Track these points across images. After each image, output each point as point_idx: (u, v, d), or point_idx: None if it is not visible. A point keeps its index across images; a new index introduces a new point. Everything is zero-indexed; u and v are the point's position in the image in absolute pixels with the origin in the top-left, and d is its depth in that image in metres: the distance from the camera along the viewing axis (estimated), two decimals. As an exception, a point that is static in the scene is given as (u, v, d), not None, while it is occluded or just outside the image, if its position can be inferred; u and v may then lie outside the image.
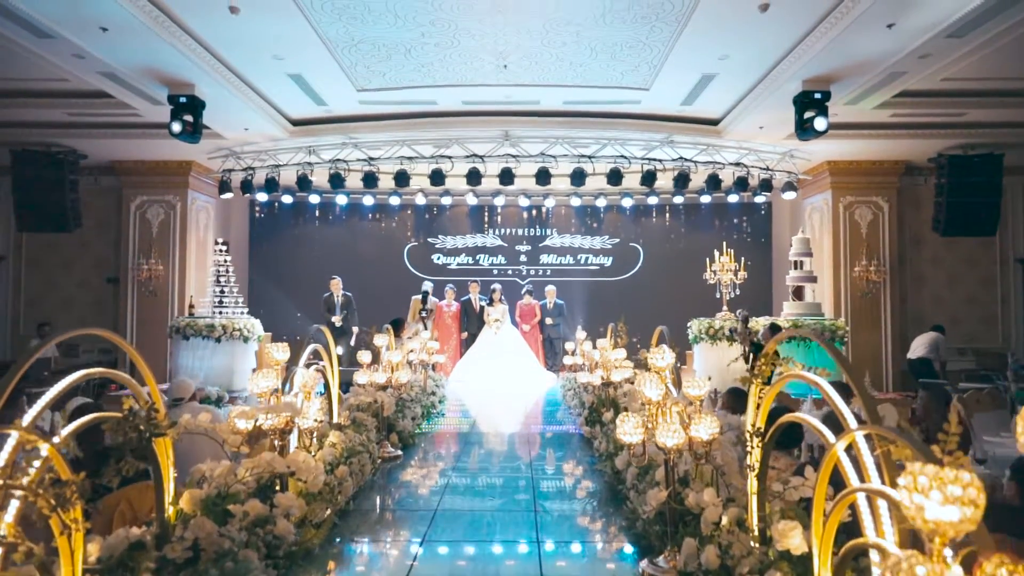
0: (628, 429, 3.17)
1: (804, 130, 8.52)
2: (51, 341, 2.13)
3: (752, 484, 2.57)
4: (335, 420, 4.90)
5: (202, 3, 6.73)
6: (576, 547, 4.00)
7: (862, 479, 1.91)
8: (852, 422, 1.88)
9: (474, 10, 7.02)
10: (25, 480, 1.87)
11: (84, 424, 2.16)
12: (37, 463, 1.93)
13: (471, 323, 12.97)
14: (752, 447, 2.50)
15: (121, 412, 2.49)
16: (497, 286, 12.89)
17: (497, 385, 11.00)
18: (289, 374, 3.79)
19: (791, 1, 6.69)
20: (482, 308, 12.80)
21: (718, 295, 11.75)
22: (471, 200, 13.80)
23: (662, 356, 3.44)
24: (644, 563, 3.29)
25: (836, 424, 2.28)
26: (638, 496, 3.73)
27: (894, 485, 1.76)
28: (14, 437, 1.76)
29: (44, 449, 1.95)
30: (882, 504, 1.83)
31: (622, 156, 10.84)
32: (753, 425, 2.51)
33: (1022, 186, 12.50)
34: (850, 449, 1.98)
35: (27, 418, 1.86)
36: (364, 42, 7.83)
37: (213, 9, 6.84)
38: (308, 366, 4.39)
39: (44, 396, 1.98)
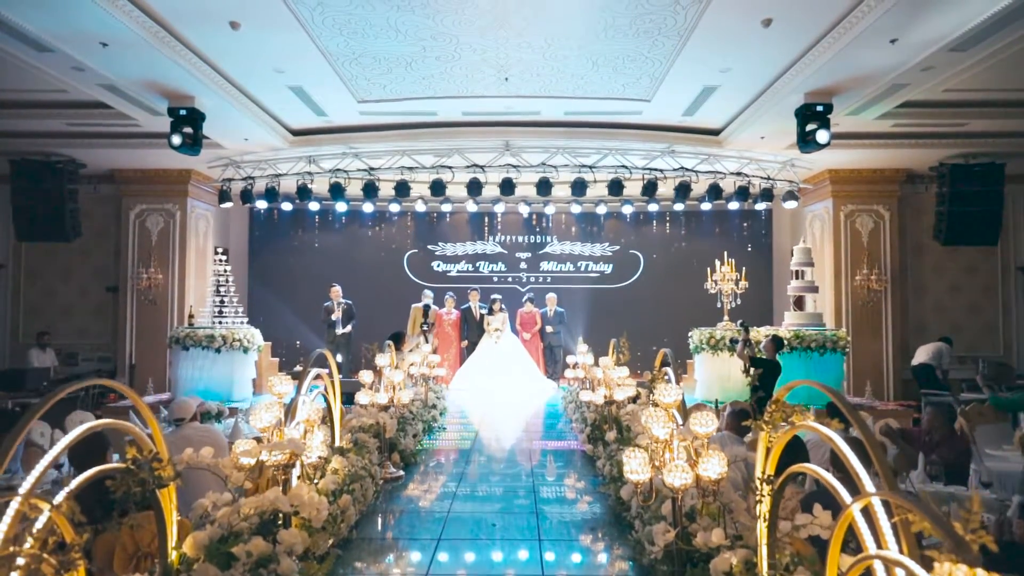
0: (635, 467, 3.14)
1: (806, 143, 8.50)
2: (58, 396, 2.08)
3: (762, 533, 2.54)
4: (337, 444, 4.86)
5: (203, 19, 6.71)
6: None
7: (878, 540, 1.88)
8: (870, 486, 1.86)
9: (475, 25, 7.00)
10: (32, 533, 1.84)
11: (88, 478, 2.13)
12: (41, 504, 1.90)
13: (471, 331, 12.95)
14: (762, 495, 2.47)
15: (124, 457, 2.46)
16: (497, 296, 12.87)
17: (497, 395, 10.98)
18: (291, 404, 3.76)
19: (794, 17, 6.68)
20: (482, 316, 12.77)
21: (719, 304, 11.72)
22: (471, 207, 13.71)
23: (668, 392, 3.42)
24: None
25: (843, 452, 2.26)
26: (643, 527, 3.70)
27: (912, 552, 1.73)
28: (15, 504, 1.73)
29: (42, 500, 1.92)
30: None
31: (623, 166, 10.82)
32: (763, 472, 2.49)
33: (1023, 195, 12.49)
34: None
35: (26, 484, 1.83)
36: (365, 56, 7.80)
37: (214, 24, 6.82)
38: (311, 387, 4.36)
39: (44, 459, 1.95)
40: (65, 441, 2.07)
